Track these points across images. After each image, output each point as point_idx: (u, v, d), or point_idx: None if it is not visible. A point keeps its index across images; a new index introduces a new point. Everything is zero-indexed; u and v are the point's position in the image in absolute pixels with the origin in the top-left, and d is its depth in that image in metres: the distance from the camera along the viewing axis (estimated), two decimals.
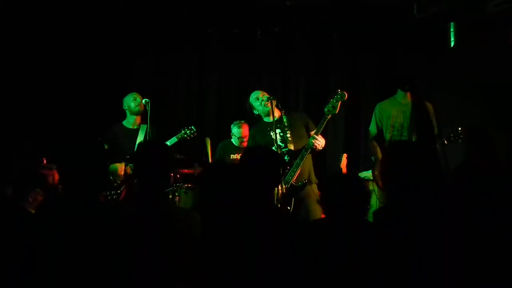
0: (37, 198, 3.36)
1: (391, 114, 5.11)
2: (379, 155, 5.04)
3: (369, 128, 5.27)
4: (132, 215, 2.60)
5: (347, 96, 4.73)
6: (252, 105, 5.08)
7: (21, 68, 6.04)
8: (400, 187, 2.54)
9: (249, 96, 5.14)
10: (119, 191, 4.99)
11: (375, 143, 5.15)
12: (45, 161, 5.59)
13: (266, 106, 4.93)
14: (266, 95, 4.99)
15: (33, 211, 3.18)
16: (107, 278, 2.45)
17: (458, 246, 2.34)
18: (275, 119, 4.86)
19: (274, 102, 4.86)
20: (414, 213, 2.46)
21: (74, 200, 2.59)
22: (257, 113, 5.08)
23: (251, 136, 5.24)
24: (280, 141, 4.88)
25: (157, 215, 2.60)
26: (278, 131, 4.90)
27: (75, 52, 6.20)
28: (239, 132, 5.79)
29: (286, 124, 4.93)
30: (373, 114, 5.24)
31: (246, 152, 3.14)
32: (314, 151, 4.77)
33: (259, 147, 4.38)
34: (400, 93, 5.13)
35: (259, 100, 5.01)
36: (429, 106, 5.06)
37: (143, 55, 6.52)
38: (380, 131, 5.15)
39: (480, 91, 5.69)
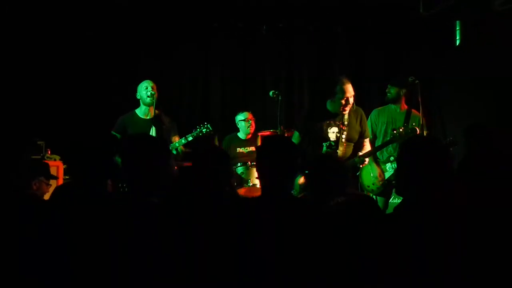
0: (41, 186, 3.38)
1: (386, 120, 5.22)
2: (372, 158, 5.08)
3: None
4: (122, 206, 2.58)
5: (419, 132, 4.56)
6: (338, 90, 4.57)
7: (29, 64, 6.09)
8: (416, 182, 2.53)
9: (342, 79, 4.62)
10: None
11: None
12: (49, 152, 5.63)
13: (341, 111, 4.59)
14: (348, 101, 4.56)
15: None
16: (100, 269, 2.44)
17: (465, 242, 2.34)
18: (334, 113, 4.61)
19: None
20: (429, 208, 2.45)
21: (80, 189, 2.60)
22: (333, 101, 4.63)
23: (305, 117, 4.81)
24: (333, 140, 4.60)
25: (145, 209, 2.56)
26: (335, 129, 4.62)
27: (80, 45, 6.25)
28: (245, 115, 5.84)
29: (345, 122, 4.62)
30: (369, 119, 5.24)
31: (264, 141, 3.14)
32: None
33: (275, 136, 4.30)
34: (390, 99, 5.24)
35: (342, 99, 4.55)
36: (422, 118, 5.04)
37: (148, 48, 6.53)
38: (374, 135, 5.22)
39: (486, 88, 5.68)
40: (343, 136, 4.60)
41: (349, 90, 4.58)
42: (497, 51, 5.53)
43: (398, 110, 5.24)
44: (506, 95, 5.45)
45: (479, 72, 5.73)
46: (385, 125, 5.25)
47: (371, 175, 5.08)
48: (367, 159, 4.66)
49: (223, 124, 6.41)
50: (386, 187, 5.05)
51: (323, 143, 4.58)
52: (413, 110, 5.19)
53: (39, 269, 2.50)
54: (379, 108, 5.39)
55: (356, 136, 4.70)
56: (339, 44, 6.80)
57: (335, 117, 4.63)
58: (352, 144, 4.69)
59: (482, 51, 5.75)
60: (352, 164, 4.61)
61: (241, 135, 5.87)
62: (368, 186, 5.15)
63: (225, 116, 6.51)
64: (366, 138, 4.78)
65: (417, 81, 5.00)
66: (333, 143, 4.58)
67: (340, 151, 4.59)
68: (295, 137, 4.73)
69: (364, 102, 6.67)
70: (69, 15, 6.07)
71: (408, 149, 2.64)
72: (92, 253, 2.43)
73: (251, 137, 5.82)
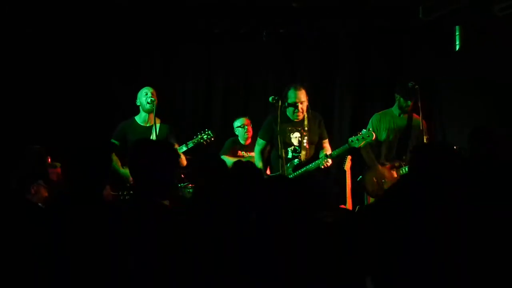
0: (40, 190, 3.37)
1: (387, 126, 5.25)
2: (374, 162, 5.13)
3: None
4: (122, 212, 2.58)
5: (375, 137, 4.84)
6: (289, 96, 4.91)
7: (29, 68, 6.10)
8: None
9: (295, 86, 4.99)
10: (131, 192, 4.89)
11: (369, 150, 5.17)
12: (49, 160, 5.63)
13: (297, 115, 4.89)
14: (302, 104, 4.89)
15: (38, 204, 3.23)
16: (98, 273, 2.43)
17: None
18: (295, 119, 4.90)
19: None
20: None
21: (76, 195, 2.60)
22: (286, 105, 4.93)
23: (269, 122, 5.04)
24: (297, 145, 4.93)
25: (145, 214, 2.56)
26: (298, 134, 4.93)
27: (83, 52, 6.25)
28: (241, 121, 5.87)
29: (306, 128, 4.93)
30: (370, 123, 5.29)
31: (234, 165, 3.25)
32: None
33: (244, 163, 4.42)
34: (396, 106, 5.26)
35: (295, 103, 4.87)
36: (422, 122, 5.07)
37: (150, 55, 6.55)
38: (376, 140, 5.16)
39: (488, 92, 5.68)
40: (305, 140, 4.91)
41: (300, 97, 4.88)
42: (498, 55, 5.52)
43: (401, 116, 5.23)
44: (506, 98, 5.45)
45: (480, 75, 5.73)
46: (387, 131, 5.25)
47: (375, 180, 5.07)
48: (330, 160, 4.82)
49: (225, 131, 6.40)
50: None
51: (288, 149, 4.92)
52: (413, 115, 5.18)
53: (39, 275, 2.49)
54: (380, 112, 5.38)
55: (316, 139, 5.04)
56: (341, 49, 6.78)
57: (295, 123, 4.94)
58: (314, 146, 5.01)
59: (482, 55, 5.75)
60: (316, 166, 4.81)
61: (240, 137, 5.88)
62: (373, 191, 5.14)
63: (226, 122, 6.49)
64: (325, 139, 5.08)
65: (416, 86, 5.01)
66: (297, 148, 4.91)
67: (303, 154, 4.90)
68: (258, 144, 5.06)
69: (367, 107, 6.71)
70: (70, 18, 6.07)
71: (422, 154, 2.64)
72: (94, 257, 2.43)
73: (249, 143, 5.83)
